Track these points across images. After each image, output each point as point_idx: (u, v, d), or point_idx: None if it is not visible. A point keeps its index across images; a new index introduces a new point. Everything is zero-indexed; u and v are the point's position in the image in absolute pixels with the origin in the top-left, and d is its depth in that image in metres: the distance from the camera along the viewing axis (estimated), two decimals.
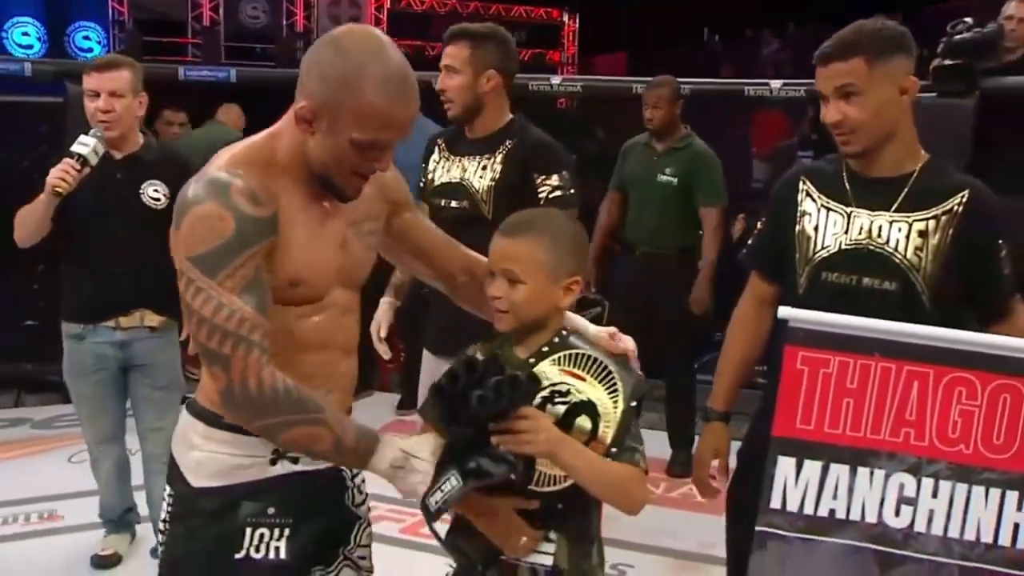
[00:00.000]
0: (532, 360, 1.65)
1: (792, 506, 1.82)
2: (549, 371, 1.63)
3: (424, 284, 2.09)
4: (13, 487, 4.11)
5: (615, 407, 1.61)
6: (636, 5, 12.29)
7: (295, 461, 1.63)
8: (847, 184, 2.06)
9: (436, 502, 1.51)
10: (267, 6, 12.45)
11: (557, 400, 1.61)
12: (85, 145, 3.02)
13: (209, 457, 1.60)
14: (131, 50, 11.07)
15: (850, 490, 1.81)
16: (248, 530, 1.59)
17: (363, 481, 1.79)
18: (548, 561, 1.65)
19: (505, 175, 2.69)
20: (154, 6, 12.12)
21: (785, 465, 1.82)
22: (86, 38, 11.69)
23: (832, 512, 1.81)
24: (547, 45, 13.94)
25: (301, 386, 1.49)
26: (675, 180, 4.49)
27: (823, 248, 2.04)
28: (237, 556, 1.58)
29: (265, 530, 1.60)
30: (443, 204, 2.82)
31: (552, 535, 1.65)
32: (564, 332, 1.70)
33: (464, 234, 2.72)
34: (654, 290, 4.54)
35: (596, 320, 5.07)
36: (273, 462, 1.61)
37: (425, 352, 3.01)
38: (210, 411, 1.61)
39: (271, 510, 1.61)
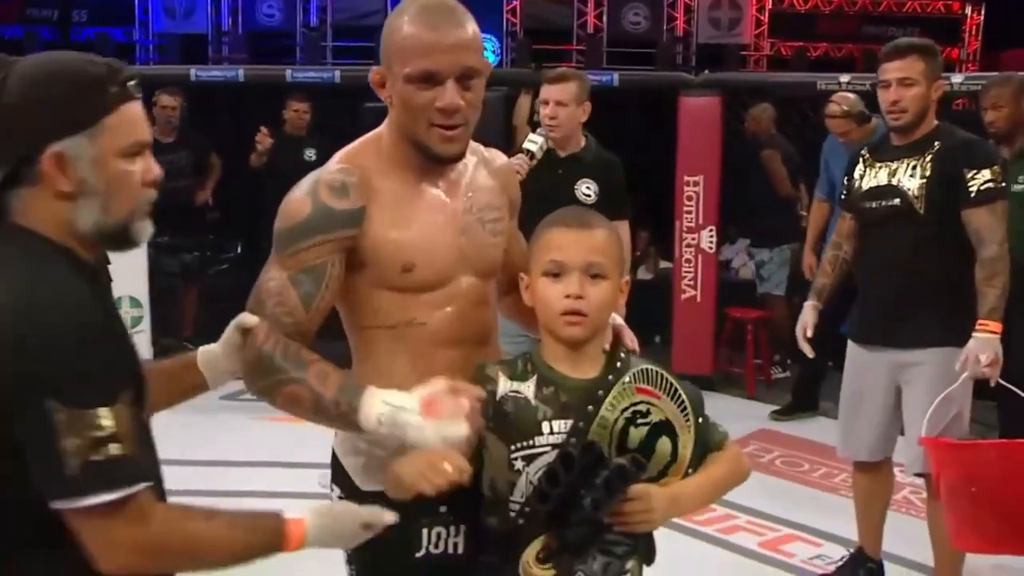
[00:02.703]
0: (611, 378, 1.49)
1: None
2: (627, 390, 1.49)
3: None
4: None
5: (688, 426, 1.50)
6: None
7: None
8: None
9: None
10: (649, 12, 12.68)
11: (639, 422, 1.47)
12: (534, 143, 3.39)
13: (375, 462, 1.59)
14: (521, 58, 11.85)
15: None
16: (424, 531, 1.60)
17: None
18: None
19: (937, 173, 2.80)
20: (544, 15, 12.81)
21: None
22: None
23: None
24: (945, 41, 12.88)
25: (299, 349, 1.48)
26: None
27: None
28: (417, 555, 1.60)
29: (441, 528, 1.60)
30: (873, 206, 2.94)
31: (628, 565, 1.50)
32: (624, 352, 1.55)
33: (893, 230, 2.87)
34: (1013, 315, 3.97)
35: None
36: None
37: (850, 344, 3.07)
38: None
39: (443, 508, 1.57)
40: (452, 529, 1.61)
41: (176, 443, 4.34)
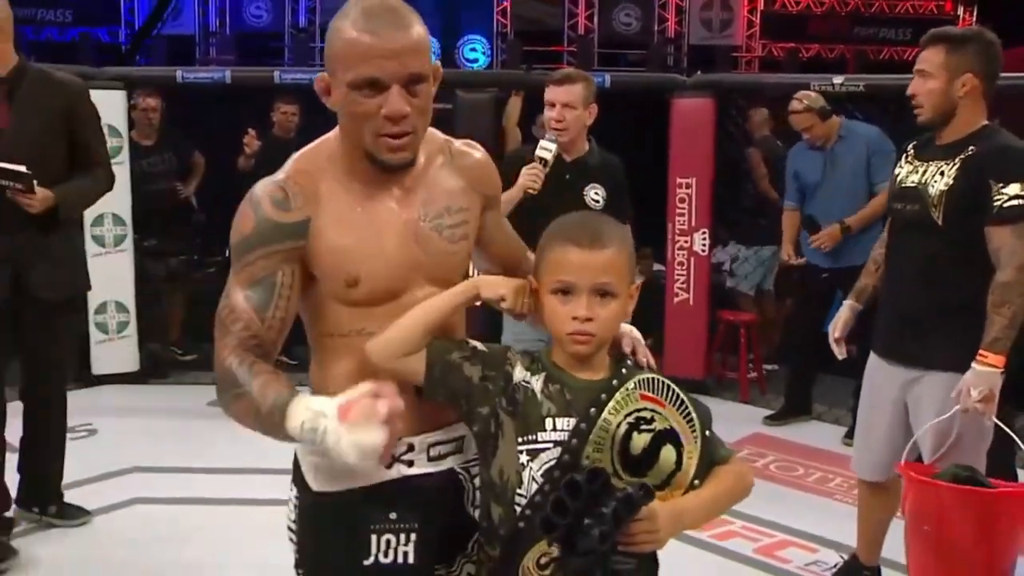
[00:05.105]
0: (615, 383, 1.49)
1: None
2: (631, 396, 1.49)
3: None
4: None
5: (694, 437, 1.51)
6: None
7: (410, 464, 1.58)
8: None
9: None
10: (640, 13, 12.67)
11: (643, 428, 1.47)
12: (547, 150, 3.32)
13: (326, 461, 1.54)
14: (512, 59, 11.82)
15: None
16: (374, 537, 1.56)
17: None
18: None
19: (960, 181, 2.58)
20: (533, 16, 12.78)
21: None
22: (472, 49, 12.60)
23: None
24: None
25: (253, 362, 1.47)
26: None
27: None
28: (366, 562, 1.56)
29: (391, 536, 1.57)
30: (899, 208, 2.76)
31: None
32: (630, 359, 1.58)
33: (912, 237, 2.72)
34: None
35: None
36: (388, 466, 1.56)
37: (871, 355, 2.93)
38: None
39: (393, 515, 1.56)
40: (402, 537, 1.57)
41: (173, 451, 4.33)
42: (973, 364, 2.51)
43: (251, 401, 1.42)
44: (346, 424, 1.32)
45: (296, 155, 1.58)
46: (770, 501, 3.85)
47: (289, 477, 1.66)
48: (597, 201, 3.43)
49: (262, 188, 1.53)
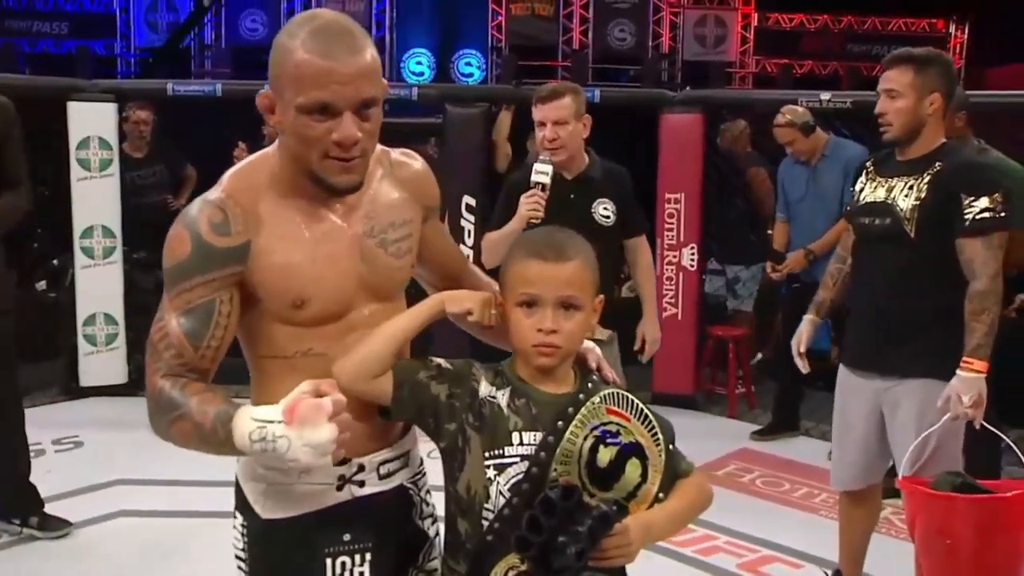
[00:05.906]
0: (582, 396, 1.50)
1: None
2: (597, 410, 1.50)
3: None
4: None
5: (659, 451, 1.52)
6: None
7: (361, 485, 1.55)
8: None
9: None
10: (634, 28, 12.72)
11: (609, 441, 1.48)
12: (543, 173, 3.14)
13: (275, 489, 1.53)
14: (507, 74, 11.86)
15: None
16: (328, 561, 1.52)
17: (428, 493, 1.70)
18: None
19: (931, 195, 2.67)
20: (528, 31, 12.84)
21: None
22: (467, 64, 12.65)
23: None
24: None
25: (187, 383, 1.44)
26: None
27: None
28: None
29: (346, 558, 1.53)
30: (867, 222, 2.82)
31: None
32: (595, 373, 1.59)
33: (884, 250, 2.78)
34: None
35: None
36: (339, 488, 1.54)
37: (841, 367, 2.98)
38: None
39: (347, 536, 1.53)
40: (357, 558, 1.54)
41: (158, 463, 4.33)
42: (959, 371, 2.57)
43: (191, 422, 1.40)
44: (294, 426, 1.30)
45: (232, 171, 1.52)
46: (755, 516, 3.85)
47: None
48: (607, 217, 3.26)
49: (199, 209, 1.46)
